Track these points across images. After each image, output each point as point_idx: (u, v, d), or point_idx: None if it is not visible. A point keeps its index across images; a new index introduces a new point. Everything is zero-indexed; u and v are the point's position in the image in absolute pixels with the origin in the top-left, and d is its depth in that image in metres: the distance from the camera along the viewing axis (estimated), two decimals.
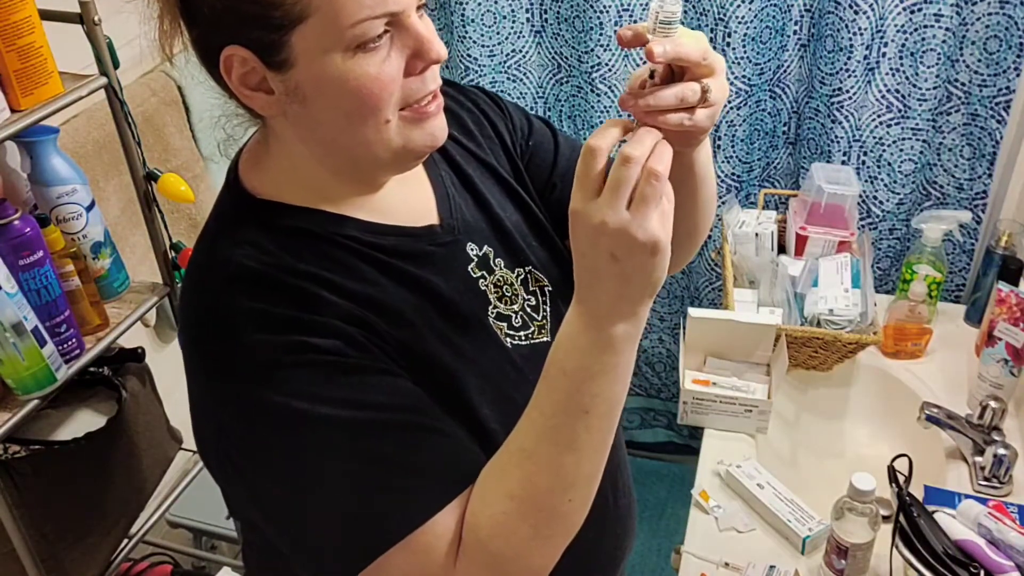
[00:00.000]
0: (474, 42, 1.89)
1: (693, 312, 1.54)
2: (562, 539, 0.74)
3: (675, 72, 0.72)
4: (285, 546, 0.77)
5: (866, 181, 1.84)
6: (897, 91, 1.73)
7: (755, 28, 1.74)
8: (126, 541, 1.48)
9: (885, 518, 1.23)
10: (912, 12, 1.65)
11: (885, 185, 1.83)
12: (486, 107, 0.95)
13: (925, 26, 1.65)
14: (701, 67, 0.70)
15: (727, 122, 1.86)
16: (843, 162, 1.81)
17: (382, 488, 0.71)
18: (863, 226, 1.86)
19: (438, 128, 0.76)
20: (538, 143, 0.97)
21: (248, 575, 1.00)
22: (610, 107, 1.92)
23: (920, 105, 1.72)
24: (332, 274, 0.75)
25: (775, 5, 1.72)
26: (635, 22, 1.43)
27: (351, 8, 0.67)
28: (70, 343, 1.27)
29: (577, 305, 0.69)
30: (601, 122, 1.94)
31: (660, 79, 0.71)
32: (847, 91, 1.74)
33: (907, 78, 1.71)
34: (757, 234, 1.77)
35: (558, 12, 1.87)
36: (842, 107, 1.75)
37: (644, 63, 0.70)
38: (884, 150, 1.80)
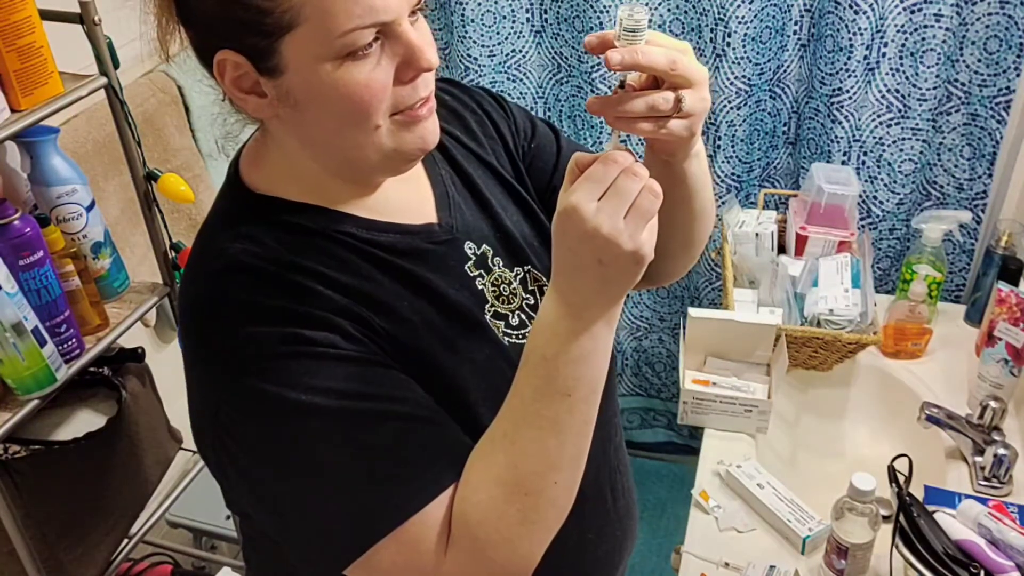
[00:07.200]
0: (474, 42, 1.89)
1: (693, 312, 1.54)
2: (550, 524, 0.74)
3: (658, 82, 0.72)
4: (278, 536, 0.77)
5: (866, 181, 1.84)
6: (897, 91, 1.73)
7: (755, 28, 1.74)
8: (126, 541, 1.48)
9: (885, 518, 1.23)
10: (912, 12, 1.65)
11: (885, 185, 1.83)
12: (489, 108, 0.96)
13: (925, 26, 1.65)
14: (672, 76, 0.70)
15: (727, 122, 1.86)
16: (843, 162, 1.81)
17: (373, 479, 0.72)
18: (863, 226, 1.86)
19: (429, 132, 0.76)
20: (540, 145, 0.97)
21: (248, 571, 1.00)
22: None
23: (920, 105, 1.72)
24: (328, 269, 0.75)
25: (775, 5, 1.72)
26: None
27: (341, 18, 0.67)
28: (70, 343, 1.28)
29: (555, 294, 0.70)
30: (600, 122, 1.94)
31: (640, 87, 0.72)
32: (847, 91, 1.74)
33: (907, 78, 1.71)
34: (757, 234, 1.77)
35: (558, 12, 1.87)
36: (842, 107, 1.75)
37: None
38: (884, 150, 1.80)
